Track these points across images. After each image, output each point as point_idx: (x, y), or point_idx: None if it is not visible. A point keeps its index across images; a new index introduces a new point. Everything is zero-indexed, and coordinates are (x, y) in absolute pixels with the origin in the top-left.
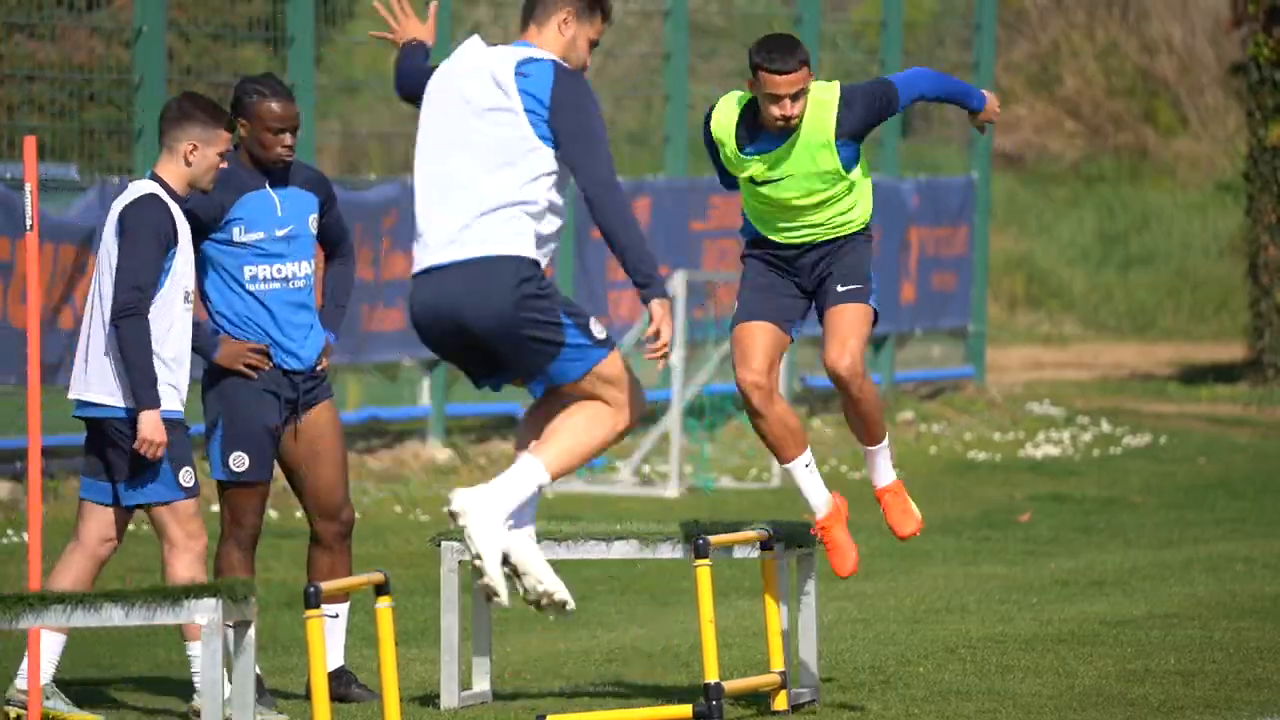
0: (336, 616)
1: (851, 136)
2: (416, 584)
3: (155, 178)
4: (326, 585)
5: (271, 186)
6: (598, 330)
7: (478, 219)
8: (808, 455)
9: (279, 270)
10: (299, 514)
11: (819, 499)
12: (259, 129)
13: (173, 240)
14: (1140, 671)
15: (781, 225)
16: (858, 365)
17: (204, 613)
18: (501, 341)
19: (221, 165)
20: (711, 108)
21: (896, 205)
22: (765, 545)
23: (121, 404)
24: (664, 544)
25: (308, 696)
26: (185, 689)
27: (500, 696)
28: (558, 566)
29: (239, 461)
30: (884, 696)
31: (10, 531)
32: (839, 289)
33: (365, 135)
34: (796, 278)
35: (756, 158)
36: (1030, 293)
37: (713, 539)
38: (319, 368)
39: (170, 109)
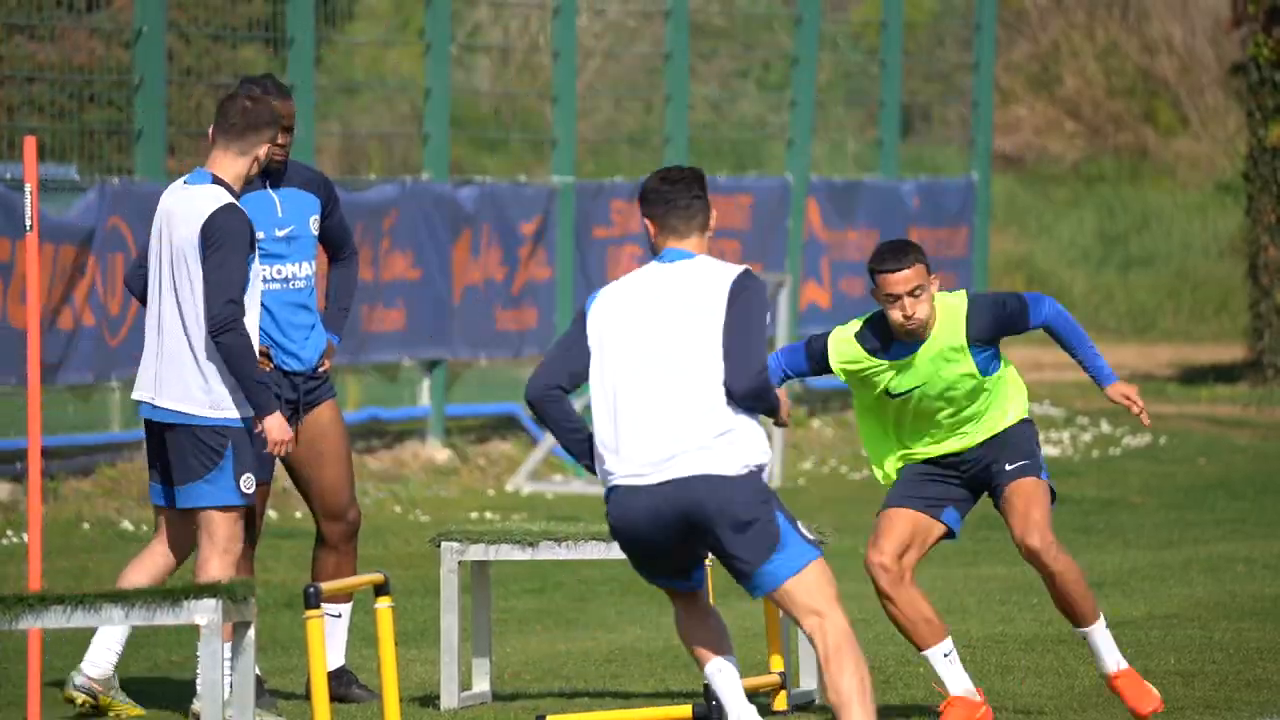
0: (339, 616)
1: (982, 342)
2: (416, 584)
3: (219, 181)
4: (326, 585)
5: (270, 187)
6: (807, 530)
7: (713, 439)
8: (947, 644)
9: (279, 271)
10: (299, 514)
11: (957, 689)
12: None
13: (252, 246)
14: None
15: (924, 439)
16: (1048, 536)
17: (204, 613)
18: (729, 526)
19: (280, 139)
20: (824, 344)
21: (896, 206)
22: None
23: (197, 412)
24: None
25: (308, 696)
26: (185, 690)
27: (500, 697)
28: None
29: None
30: (884, 696)
31: (10, 532)
32: (1008, 467)
33: (365, 136)
34: (957, 473)
35: (888, 366)
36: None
37: None
38: (320, 369)
39: (237, 112)
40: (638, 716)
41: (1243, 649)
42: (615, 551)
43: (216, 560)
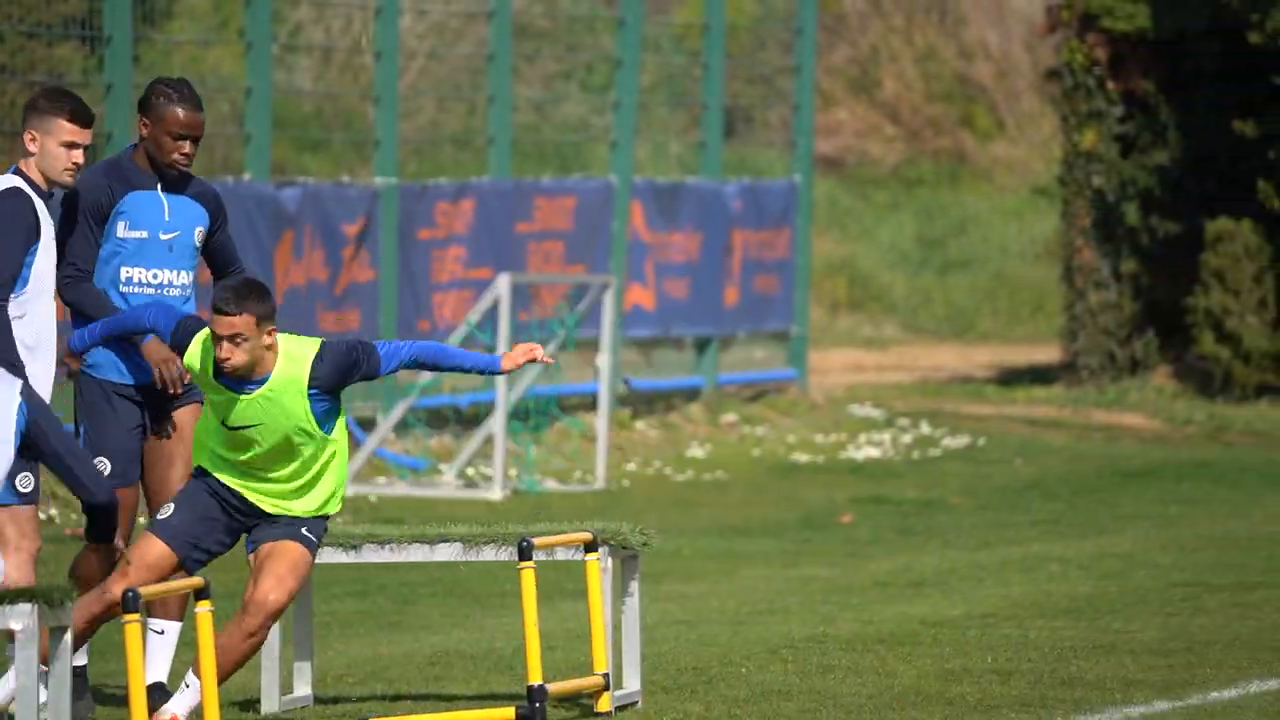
0: (163, 633)
1: (324, 390)
2: (237, 589)
3: (18, 171)
4: (146, 591)
5: (163, 190)
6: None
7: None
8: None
9: (155, 275)
10: (142, 520)
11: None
12: (159, 132)
13: (35, 235)
14: (958, 671)
15: (246, 478)
16: (281, 607)
17: (19, 618)
18: None
19: (73, 157)
20: (194, 332)
21: (719, 209)
22: (589, 547)
23: None
24: (488, 546)
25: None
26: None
27: (322, 701)
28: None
29: (101, 467)
30: (707, 697)
31: None
32: (285, 523)
33: None
34: (242, 519)
35: (225, 393)
36: (852, 296)
37: (537, 541)
38: (187, 378)
39: (31, 100)
40: (460, 719)
41: (1058, 647)
42: (438, 554)
43: (10, 560)
